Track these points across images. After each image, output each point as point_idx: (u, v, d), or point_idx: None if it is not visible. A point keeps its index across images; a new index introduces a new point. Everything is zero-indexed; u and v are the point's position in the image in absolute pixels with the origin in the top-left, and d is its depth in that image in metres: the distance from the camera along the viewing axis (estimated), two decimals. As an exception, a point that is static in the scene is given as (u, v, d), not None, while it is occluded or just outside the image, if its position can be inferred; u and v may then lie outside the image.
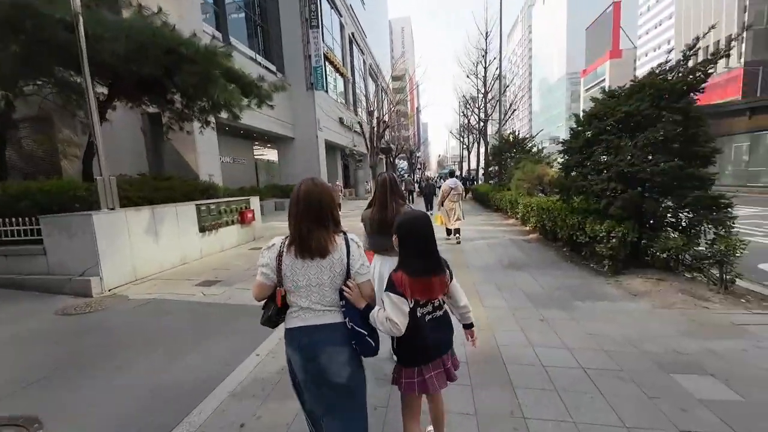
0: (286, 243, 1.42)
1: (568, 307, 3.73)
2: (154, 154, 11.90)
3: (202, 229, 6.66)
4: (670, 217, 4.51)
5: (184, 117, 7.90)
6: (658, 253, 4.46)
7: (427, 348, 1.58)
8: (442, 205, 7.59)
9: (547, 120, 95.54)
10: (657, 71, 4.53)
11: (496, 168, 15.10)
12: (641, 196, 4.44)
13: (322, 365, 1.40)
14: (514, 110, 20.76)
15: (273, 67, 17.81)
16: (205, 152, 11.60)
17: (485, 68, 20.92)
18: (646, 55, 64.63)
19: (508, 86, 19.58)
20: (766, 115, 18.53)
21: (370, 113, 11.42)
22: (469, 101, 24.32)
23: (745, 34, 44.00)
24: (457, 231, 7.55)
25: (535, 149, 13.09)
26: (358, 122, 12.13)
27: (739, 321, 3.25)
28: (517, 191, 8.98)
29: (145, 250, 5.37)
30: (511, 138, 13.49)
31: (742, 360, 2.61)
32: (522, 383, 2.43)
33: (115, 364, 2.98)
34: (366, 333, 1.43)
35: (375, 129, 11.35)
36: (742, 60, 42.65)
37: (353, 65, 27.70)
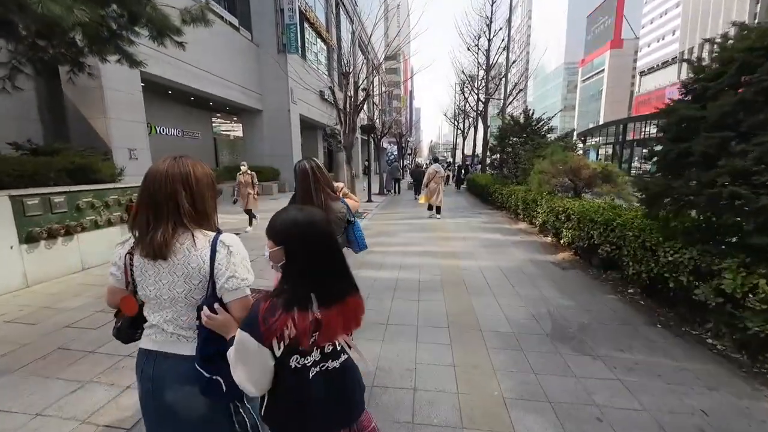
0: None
1: None
2: (53, 119, 8.88)
3: (32, 239, 3.92)
4: None
5: (37, 52, 5.02)
6: None
7: (309, 419, 0.97)
8: (427, 186, 8.95)
9: (541, 110, 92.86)
10: None
11: (497, 156, 12.53)
12: None
13: (168, 406, 1.03)
14: (520, 90, 18.11)
15: (235, 21, 14.59)
16: (120, 118, 8.66)
17: (489, 40, 18.11)
18: (648, 46, 62.31)
19: (514, 62, 16.87)
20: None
21: (345, 75, 8.65)
22: (468, 80, 21.51)
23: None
24: (438, 209, 9.05)
25: (551, 133, 10.53)
26: (329, 87, 9.34)
27: None
28: (538, 188, 6.48)
29: None
30: (521, 118, 10.88)
31: None
32: None
33: None
34: (209, 376, 0.98)
35: (351, 98, 8.62)
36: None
37: (339, 34, 24.36)
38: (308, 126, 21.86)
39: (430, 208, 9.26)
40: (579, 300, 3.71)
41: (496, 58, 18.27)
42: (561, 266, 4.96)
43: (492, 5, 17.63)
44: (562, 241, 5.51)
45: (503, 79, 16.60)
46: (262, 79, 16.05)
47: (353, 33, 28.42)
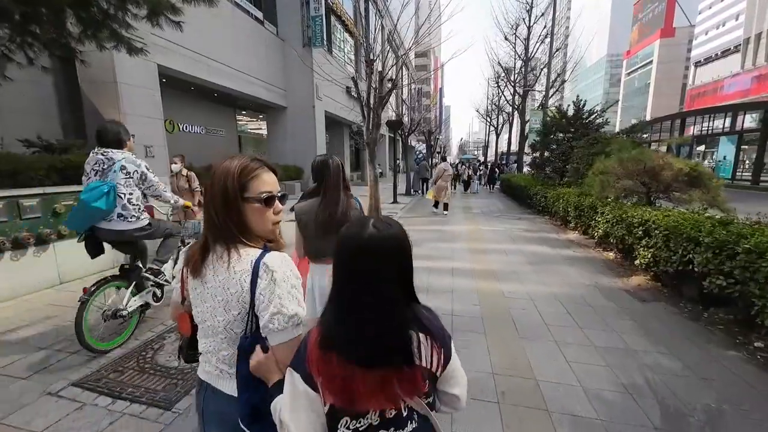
0: None
1: None
2: (72, 115, 8.67)
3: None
4: None
5: (26, 37, 4.53)
6: None
7: None
8: (435, 183, 9.56)
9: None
10: None
11: (539, 154, 11.17)
12: None
13: None
14: (564, 81, 16.46)
15: (260, 15, 14.15)
16: (136, 114, 8.28)
17: (529, 27, 16.62)
18: (706, 34, 56.57)
19: (558, 50, 15.24)
20: None
21: (368, 63, 7.77)
22: (503, 73, 19.99)
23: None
24: (446, 206, 9.38)
25: (605, 127, 9.10)
26: (352, 77, 8.50)
27: None
28: (600, 192, 5.25)
29: None
30: (569, 110, 9.50)
31: None
32: None
33: None
34: None
35: (376, 88, 7.74)
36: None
37: (368, 28, 23.57)
38: (334, 123, 21.29)
39: (436, 205, 9.68)
40: (686, 357, 2.59)
41: (536, 48, 16.75)
42: (638, 296, 3.79)
43: (533, -11, 16.12)
44: (636, 262, 4.32)
45: (544, 68, 15.06)
46: (287, 74, 15.57)
47: (382, 24, 27.64)
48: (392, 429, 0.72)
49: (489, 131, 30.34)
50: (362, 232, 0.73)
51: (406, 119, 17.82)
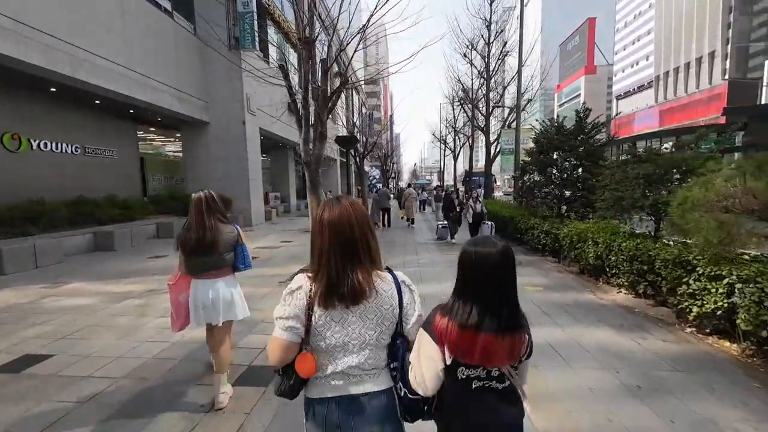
0: (313, 289, 1.00)
1: None
2: None
3: None
4: None
5: None
6: None
7: (470, 422, 1.04)
8: (404, 205, 13.43)
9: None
10: None
11: (527, 179, 9.09)
12: None
13: None
14: (530, 100, 15.30)
15: (167, 3, 11.07)
16: None
17: (488, 44, 15.44)
18: (623, 71, 63.50)
19: (523, 65, 14.00)
20: None
21: (306, 41, 5.11)
22: (462, 92, 18.68)
23: (729, 50, 42.95)
24: (413, 220, 13.04)
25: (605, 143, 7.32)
26: (279, 65, 5.77)
27: None
28: (715, 242, 2.97)
29: None
30: (564, 122, 7.64)
31: None
32: None
33: None
34: (420, 397, 1.07)
35: (318, 85, 5.11)
36: (727, 76, 41.40)
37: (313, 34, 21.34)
38: (275, 145, 18.18)
39: (407, 221, 13.00)
40: None
41: (497, 65, 15.56)
42: None
43: (491, 4, 15.07)
44: None
45: (509, 84, 13.74)
46: (208, 82, 12.41)
47: (330, 47, 25.61)
48: (494, 381, 1.03)
49: (445, 155, 29.09)
50: (489, 243, 1.04)
51: (351, 130, 15.36)
